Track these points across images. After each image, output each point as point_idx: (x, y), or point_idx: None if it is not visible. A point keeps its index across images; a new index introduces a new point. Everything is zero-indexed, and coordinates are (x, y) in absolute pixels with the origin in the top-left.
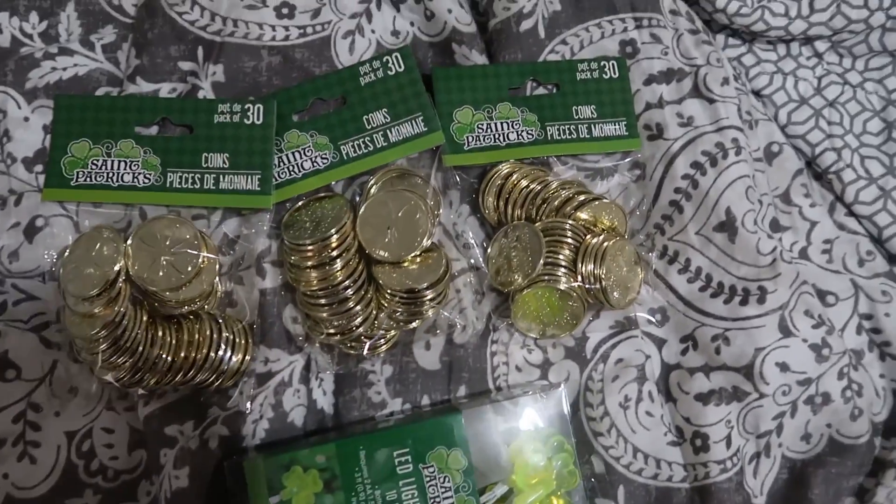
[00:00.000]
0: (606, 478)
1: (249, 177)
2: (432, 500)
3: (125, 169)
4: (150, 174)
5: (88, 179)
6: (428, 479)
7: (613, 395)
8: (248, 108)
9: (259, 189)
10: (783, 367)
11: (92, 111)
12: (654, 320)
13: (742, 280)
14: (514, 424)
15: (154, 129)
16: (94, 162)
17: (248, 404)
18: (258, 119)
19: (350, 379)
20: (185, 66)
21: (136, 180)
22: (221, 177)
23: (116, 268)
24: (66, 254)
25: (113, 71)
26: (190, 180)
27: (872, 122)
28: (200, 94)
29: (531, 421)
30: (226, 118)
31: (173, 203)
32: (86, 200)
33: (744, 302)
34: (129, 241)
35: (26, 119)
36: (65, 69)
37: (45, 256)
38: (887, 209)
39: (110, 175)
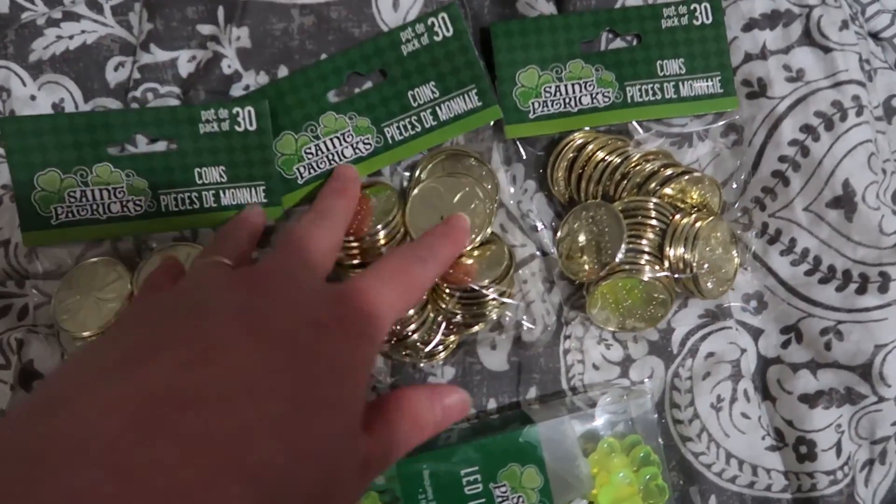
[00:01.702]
0: (697, 489)
1: (253, 189)
2: None
3: (110, 198)
4: (140, 200)
5: (71, 215)
6: (500, 499)
7: (704, 396)
8: (238, 112)
9: (266, 201)
10: None
11: (50, 135)
12: (749, 307)
13: (860, 264)
14: (593, 432)
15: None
16: (72, 194)
17: None
18: (250, 125)
19: (408, 382)
20: (205, 29)
21: (126, 209)
22: (221, 192)
23: (121, 304)
24: (60, 287)
25: (125, 37)
26: (187, 201)
27: None
28: (224, 63)
29: (612, 428)
30: (213, 127)
31: (174, 228)
32: (74, 239)
33: (861, 290)
34: (134, 278)
35: (33, 98)
36: (71, 37)
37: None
38: None
39: (95, 207)
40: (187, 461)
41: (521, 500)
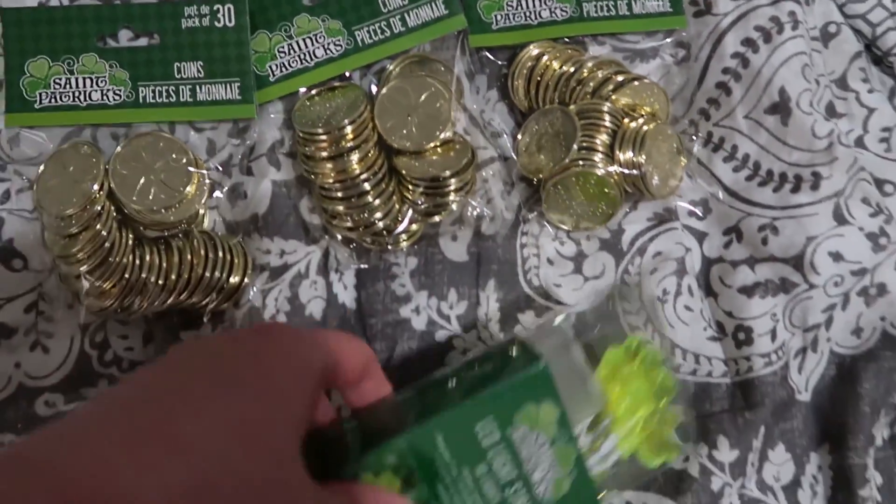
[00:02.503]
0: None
1: (228, 85)
2: (527, 462)
3: (92, 86)
4: (119, 90)
5: (53, 100)
6: (519, 441)
7: (652, 289)
8: (218, 9)
9: (240, 98)
10: (836, 256)
11: (45, 25)
12: (695, 212)
13: (794, 166)
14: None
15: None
16: (57, 81)
17: (262, 300)
18: (230, 21)
19: (373, 272)
20: None
21: (105, 98)
22: (198, 87)
23: (96, 186)
24: (41, 170)
25: None
26: (164, 93)
27: None
28: None
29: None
30: (194, 22)
31: (149, 119)
32: (53, 124)
33: (795, 189)
34: (110, 162)
35: None
36: None
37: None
38: None
39: (77, 94)
40: None
41: (539, 437)
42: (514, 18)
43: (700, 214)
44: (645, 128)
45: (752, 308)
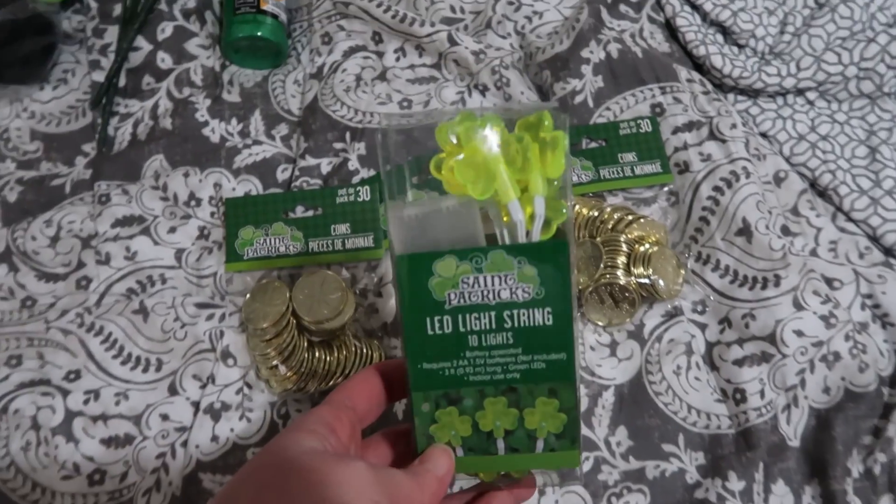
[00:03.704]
0: (658, 427)
1: (365, 237)
2: (488, 297)
3: (279, 243)
4: (297, 245)
5: (255, 254)
6: (460, 297)
7: (668, 365)
8: (359, 190)
9: (373, 245)
10: (799, 333)
11: (251, 206)
12: (697, 310)
13: (761, 271)
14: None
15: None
16: (258, 241)
17: None
18: (367, 196)
19: None
20: (338, 145)
21: (288, 250)
22: (346, 240)
23: (283, 308)
24: (247, 298)
25: (288, 153)
26: (325, 245)
27: (859, 148)
28: (350, 165)
29: None
30: (344, 199)
31: (316, 262)
32: (254, 269)
33: (763, 287)
34: (292, 291)
35: (234, 189)
36: (257, 154)
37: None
38: (878, 213)
39: (269, 249)
40: None
41: (464, 280)
42: None
43: (700, 310)
44: (651, 251)
45: (743, 375)
